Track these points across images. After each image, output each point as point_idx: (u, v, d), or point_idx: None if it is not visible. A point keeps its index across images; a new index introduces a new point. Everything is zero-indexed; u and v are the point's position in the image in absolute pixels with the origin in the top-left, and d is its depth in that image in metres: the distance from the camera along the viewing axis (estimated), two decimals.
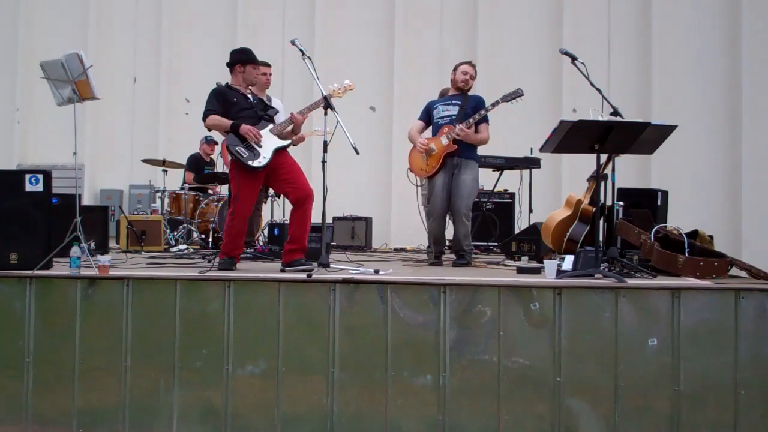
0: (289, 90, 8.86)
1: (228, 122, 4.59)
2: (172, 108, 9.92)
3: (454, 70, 5.49)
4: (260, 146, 4.53)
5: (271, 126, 4.65)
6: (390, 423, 3.73)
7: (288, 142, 4.67)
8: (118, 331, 3.95)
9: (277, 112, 4.87)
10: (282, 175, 4.63)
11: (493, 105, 5.24)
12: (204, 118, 4.67)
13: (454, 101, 5.41)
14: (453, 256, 5.45)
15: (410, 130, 5.58)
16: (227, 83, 4.82)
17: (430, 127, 5.53)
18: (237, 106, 4.68)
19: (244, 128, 4.52)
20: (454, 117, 5.32)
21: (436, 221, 5.39)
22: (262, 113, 4.73)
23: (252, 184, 4.61)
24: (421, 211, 6.35)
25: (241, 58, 4.77)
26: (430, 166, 5.35)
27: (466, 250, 5.30)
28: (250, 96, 4.80)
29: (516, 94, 5.21)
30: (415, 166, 5.52)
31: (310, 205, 4.59)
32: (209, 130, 4.86)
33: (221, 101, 4.68)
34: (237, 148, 4.51)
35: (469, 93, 5.46)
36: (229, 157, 4.65)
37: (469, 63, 5.51)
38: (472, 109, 5.31)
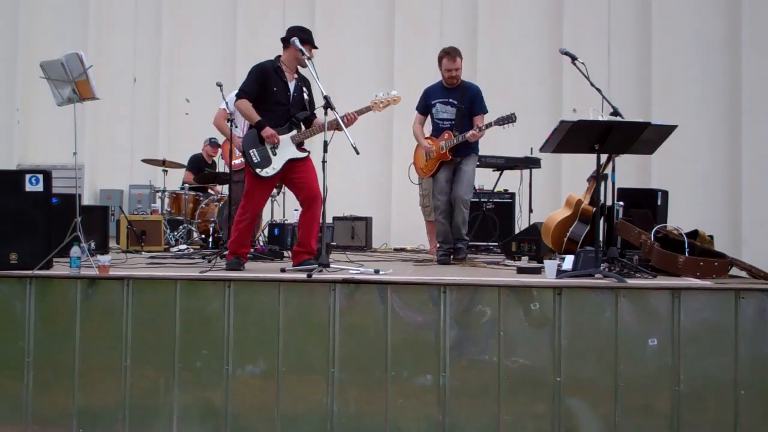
0: None
1: (255, 117, 4.52)
2: (172, 108, 9.91)
3: (439, 63, 5.42)
4: (275, 154, 4.50)
5: (294, 133, 4.57)
6: (390, 423, 3.73)
7: (305, 155, 4.59)
8: (118, 331, 3.95)
9: (308, 115, 4.71)
10: (294, 174, 4.60)
11: (487, 126, 5.22)
12: (237, 97, 4.60)
13: (451, 100, 5.41)
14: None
15: (414, 126, 5.61)
16: (278, 57, 4.67)
17: (429, 120, 5.57)
18: (273, 97, 4.55)
19: (267, 132, 4.46)
20: (453, 122, 5.38)
21: (443, 215, 5.44)
22: (295, 111, 4.62)
23: (265, 183, 4.60)
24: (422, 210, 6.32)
25: (301, 37, 4.55)
26: (427, 168, 5.52)
27: (464, 239, 5.37)
28: (292, 87, 4.63)
29: (509, 120, 5.15)
30: (417, 164, 5.66)
31: (318, 207, 4.53)
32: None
33: (260, 84, 4.54)
34: (250, 151, 4.50)
35: (462, 81, 5.43)
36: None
37: (448, 55, 5.34)
38: (469, 104, 5.36)
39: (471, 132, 5.24)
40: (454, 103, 5.39)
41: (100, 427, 3.93)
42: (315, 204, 4.55)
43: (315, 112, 4.78)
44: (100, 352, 3.97)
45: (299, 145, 4.59)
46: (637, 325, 3.64)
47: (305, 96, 4.71)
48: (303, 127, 4.67)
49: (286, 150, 4.53)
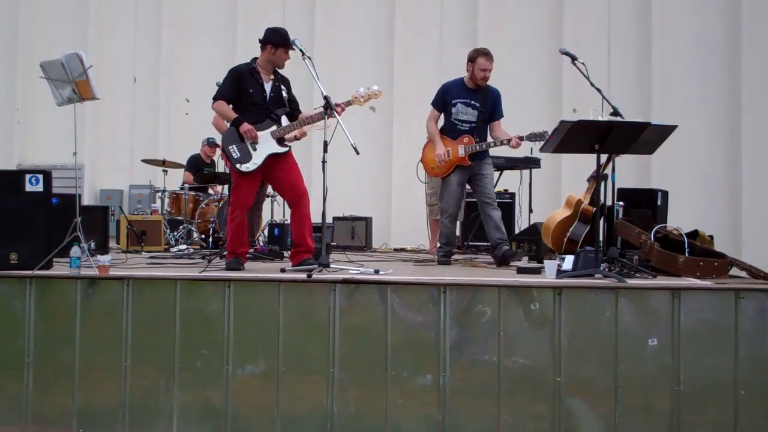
0: None
1: (232, 115, 4.57)
2: (172, 108, 9.91)
3: (472, 62, 5.19)
4: (255, 149, 4.52)
5: (273, 128, 4.58)
6: (390, 423, 3.73)
7: (285, 149, 4.61)
8: (118, 331, 3.95)
9: (287, 111, 4.71)
10: (277, 173, 4.64)
11: (520, 139, 5.07)
12: (213, 99, 4.64)
13: (473, 102, 5.22)
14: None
15: (428, 121, 5.38)
16: (254, 59, 4.69)
17: (443, 116, 5.36)
18: (249, 98, 4.59)
19: (244, 128, 4.50)
20: (473, 125, 5.23)
21: (451, 218, 5.39)
22: (273, 108, 4.64)
23: (250, 178, 4.61)
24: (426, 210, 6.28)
25: (275, 41, 4.59)
26: (440, 169, 5.31)
27: (506, 239, 5.17)
28: (268, 88, 4.65)
29: (541, 137, 4.94)
30: (427, 162, 5.43)
31: (304, 205, 4.59)
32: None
33: (236, 86, 4.58)
34: (230, 147, 4.53)
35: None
36: None
37: (486, 55, 5.18)
38: (491, 108, 5.25)
39: (515, 140, 5.03)
40: (477, 106, 5.22)
41: (100, 427, 3.94)
42: (302, 202, 4.59)
43: (300, 108, 4.82)
44: (100, 352, 3.97)
45: (280, 141, 4.60)
46: (637, 325, 3.64)
47: (284, 94, 4.73)
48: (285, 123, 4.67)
49: (266, 145, 4.55)
